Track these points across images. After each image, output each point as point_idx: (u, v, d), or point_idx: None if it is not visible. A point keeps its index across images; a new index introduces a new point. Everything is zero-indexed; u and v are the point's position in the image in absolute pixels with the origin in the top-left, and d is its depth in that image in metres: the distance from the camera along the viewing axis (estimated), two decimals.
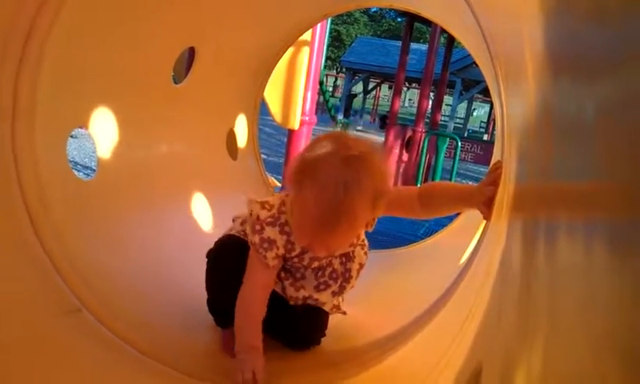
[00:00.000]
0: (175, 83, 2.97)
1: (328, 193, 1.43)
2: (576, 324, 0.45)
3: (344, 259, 1.81)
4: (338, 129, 10.69)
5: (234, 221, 1.92)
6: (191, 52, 2.98)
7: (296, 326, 1.86)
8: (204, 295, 1.92)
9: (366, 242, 1.88)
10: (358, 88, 31.36)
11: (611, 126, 0.43)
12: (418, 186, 8.45)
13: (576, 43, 0.55)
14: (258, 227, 1.68)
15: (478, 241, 1.87)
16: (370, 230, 1.77)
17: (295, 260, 1.75)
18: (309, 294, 1.82)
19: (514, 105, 1.26)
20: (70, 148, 7.26)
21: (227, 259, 1.80)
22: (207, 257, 1.86)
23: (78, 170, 7.16)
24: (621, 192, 0.39)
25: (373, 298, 2.44)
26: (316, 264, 1.77)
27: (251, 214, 1.70)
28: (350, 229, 1.55)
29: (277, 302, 1.78)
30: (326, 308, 1.89)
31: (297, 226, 1.60)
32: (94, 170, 2.37)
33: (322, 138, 1.58)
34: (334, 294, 1.84)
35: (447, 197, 1.74)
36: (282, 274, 1.81)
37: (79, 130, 2.36)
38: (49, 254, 1.74)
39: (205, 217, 2.82)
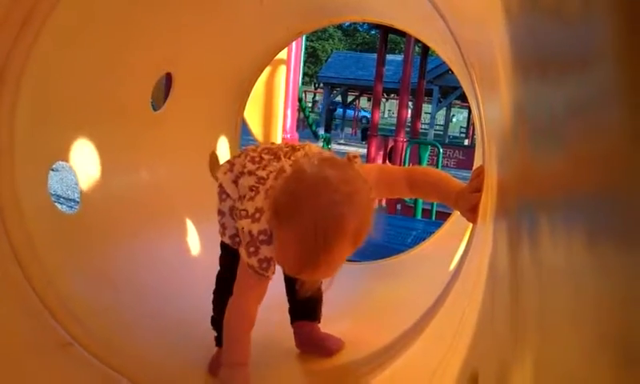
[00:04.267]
0: (154, 110, 2.96)
1: (308, 240, 1.40)
2: (566, 326, 0.45)
3: None
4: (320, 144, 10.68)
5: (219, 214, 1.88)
6: (168, 78, 2.97)
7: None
8: (195, 321, 1.90)
9: None
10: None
11: (582, 124, 0.43)
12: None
13: (541, 44, 0.56)
14: (252, 250, 1.63)
15: (466, 246, 1.87)
16: None
17: None
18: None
19: (490, 109, 1.27)
20: (51, 181, 7.19)
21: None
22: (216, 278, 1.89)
23: (61, 203, 7.09)
24: (597, 190, 0.39)
25: (364, 311, 2.43)
26: None
27: (242, 229, 1.64)
28: (331, 267, 1.52)
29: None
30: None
31: (279, 261, 1.59)
32: (78, 202, 2.35)
33: (305, 170, 1.49)
34: None
35: (435, 189, 1.71)
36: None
37: (60, 162, 2.33)
38: (35, 289, 1.72)
39: (192, 241, 2.80)
